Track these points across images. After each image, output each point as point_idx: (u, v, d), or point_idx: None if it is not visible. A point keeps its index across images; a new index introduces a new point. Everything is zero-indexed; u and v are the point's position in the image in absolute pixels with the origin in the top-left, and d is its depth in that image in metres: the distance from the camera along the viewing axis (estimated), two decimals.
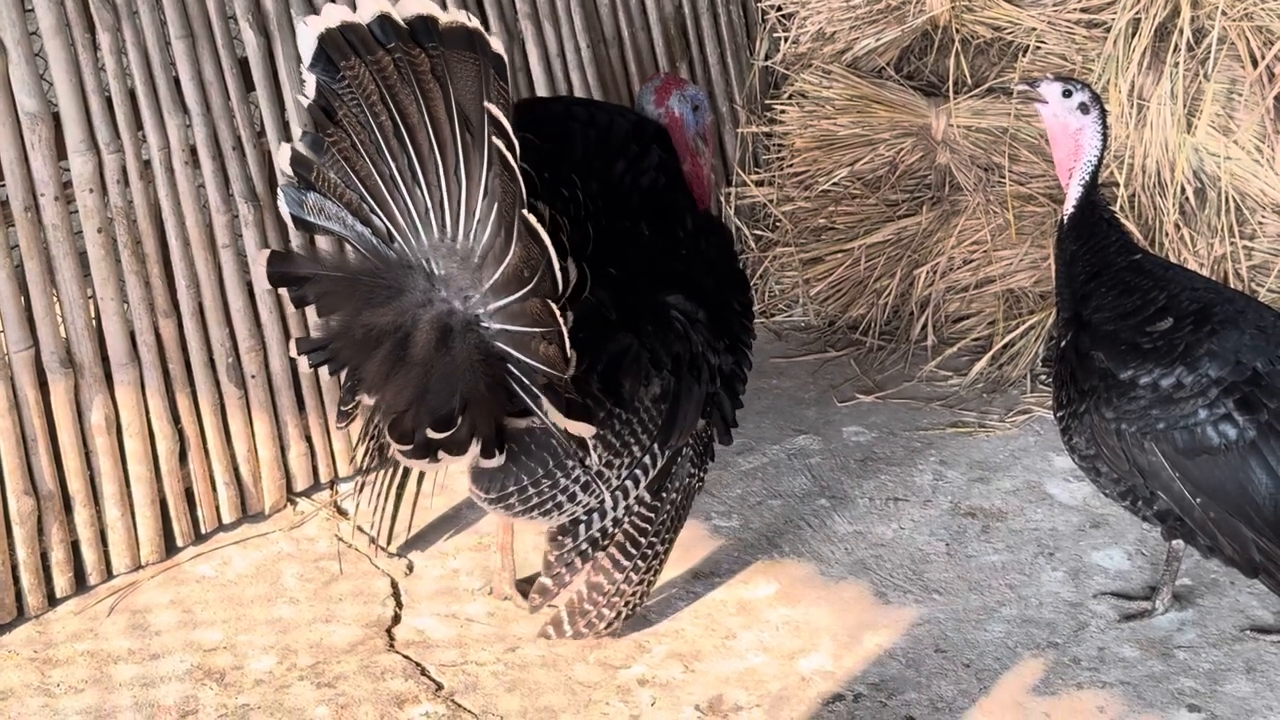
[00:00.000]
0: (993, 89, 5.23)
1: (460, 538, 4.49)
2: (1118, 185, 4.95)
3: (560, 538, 3.86)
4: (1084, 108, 3.76)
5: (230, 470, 4.52)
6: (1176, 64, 4.79)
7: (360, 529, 4.52)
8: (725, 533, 4.47)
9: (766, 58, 5.96)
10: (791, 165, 5.78)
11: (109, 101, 4.20)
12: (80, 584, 4.27)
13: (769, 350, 5.55)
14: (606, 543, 3.88)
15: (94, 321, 4.25)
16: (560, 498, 3.71)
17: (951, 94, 5.28)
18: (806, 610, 4.13)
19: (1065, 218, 3.80)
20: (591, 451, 3.59)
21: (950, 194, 5.41)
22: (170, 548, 4.43)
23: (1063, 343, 3.84)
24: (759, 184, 5.90)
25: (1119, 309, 3.73)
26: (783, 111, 5.77)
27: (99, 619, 4.18)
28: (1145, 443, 3.66)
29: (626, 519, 3.87)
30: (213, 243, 4.40)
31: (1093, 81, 4.92)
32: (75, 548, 4.26)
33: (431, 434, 3.41)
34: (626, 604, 3.95)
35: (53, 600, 4.22)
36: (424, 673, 3.96)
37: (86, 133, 4.16)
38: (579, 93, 5.38)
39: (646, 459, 3.78)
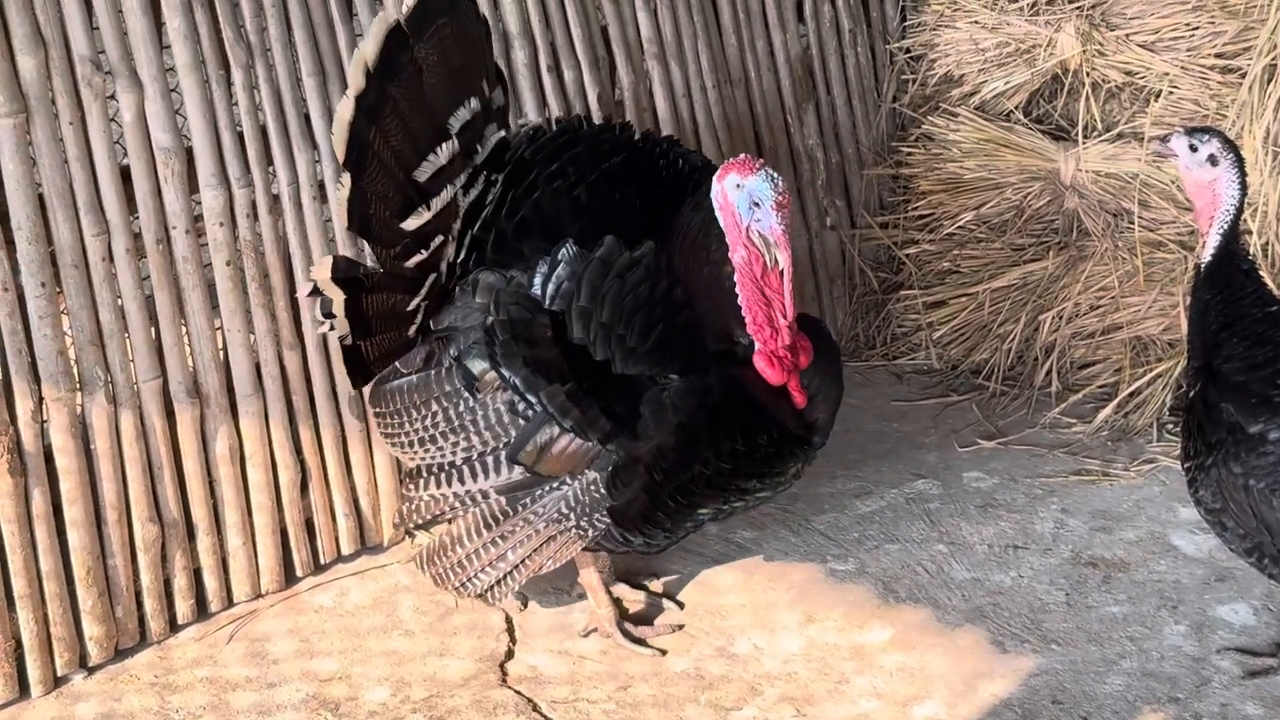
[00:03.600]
0: (1122, 134, 5.16)
1: (575, 574, 4.49)
2: (1251, 233, 4.86)
3: (407, 480, 4.14)
4: (1213, 159, 3.68)
5: (350, 502, 4.58)
6: None
7: None
8: (840, 576, 4.43)
9: (894, 100, 5.94)
10: (917, 208, 5.75)
11: (240, 137, 4.29)
12: (201, 611, 4.34)
13: (890, 393, 5.52)
14: (452, 513, 4.03)
15: (221, 353, 4.32)
16: (401, 438, 4.01)
17: (1081, 138, 5.23)
18: (921, 657, 4.08)
19: (1203, 266, 3.73)
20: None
21: (1078, 239, 5.35)
22: (290, 577, 4.49)
23: (1191, 393, 3.77)
24: (884, 226, 5.87)
25: (1250, 360, 3.65)
26: (909, 154, 5.75)
27: (218, 646, 4.24)
28: (1275, 499, 3.58)
29: (473, 505, 3.97)
30: None
31: (1226, 128, 4.85)
32: (197, 575, 4.33)
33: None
34: (471, 579, 4.02)
35: (174, 626, 4.29)
36: (536, 709, 3.96)
37: (218, 167, 4.24)
38: (704, 132, 5.39)
39: (489, 459, 3.90)
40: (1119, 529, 4.58)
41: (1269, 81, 4.76)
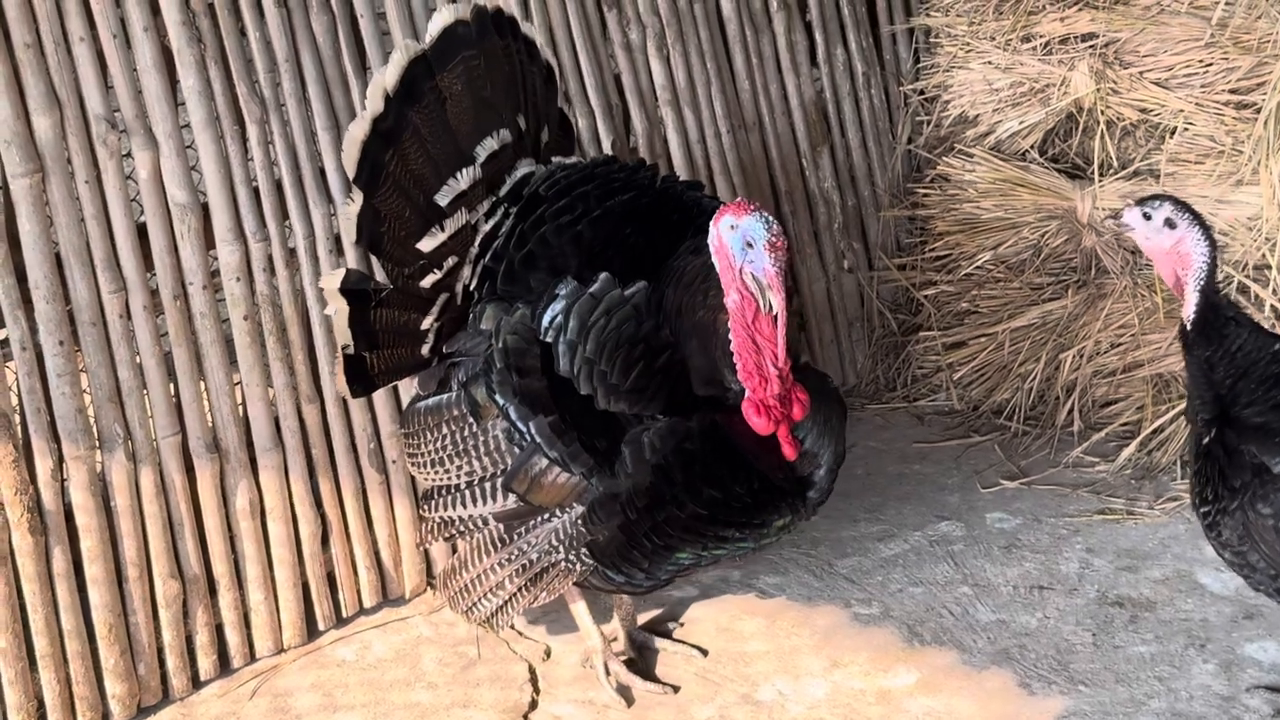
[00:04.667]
0: (1138, 172, 5.15)
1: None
2: (1269, 268, 4.84)
3: (423, 500, 4.21)
4: (1170, 223, 3.62)
5: (371, 554, 4.57)
6: None
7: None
8: (865, 620, 4.41)
9: (909, 142, 5.95)
10: (934, 249, 5.74)
11: (256, 192, 4.30)
12: (224, 666, 4.34)
13: (911, 435, 5.50)
14: (460, 535, 4.09)
15: (239, 407, 4.33)
16: (419, 458, 4.09)
17: (1097, 176, 5.22)
18: (948, 700, 4.05)
19: (1188, 324, 3.67)
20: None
21: (1096, 277, 5.33)
22: (312, 631, 4.48)
23: (1206, 439, 3.73)
24: (901, 268, 5.87)
25: (1272, 401, 3.62)
26: (925, 195, 5.75)
27: (241, 702, 4.23)
28: None
29: (476, 530, 4.03)
30: None
31: (1242, 163, 4.84)
32: (219, 630, 4.33)
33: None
34: (476, 604, 4.07)
35: (197, 682, 4.28)
36: None
37: (234, 223, 4.26)
38: (719, 177, 5.40)
39: (488, 485, 3.94)
40: (1145, 568, 4.55)
41: None
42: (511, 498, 3.91)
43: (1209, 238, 3.61)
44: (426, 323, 4.07)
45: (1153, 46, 5.11)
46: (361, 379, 4.11)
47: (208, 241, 4.24)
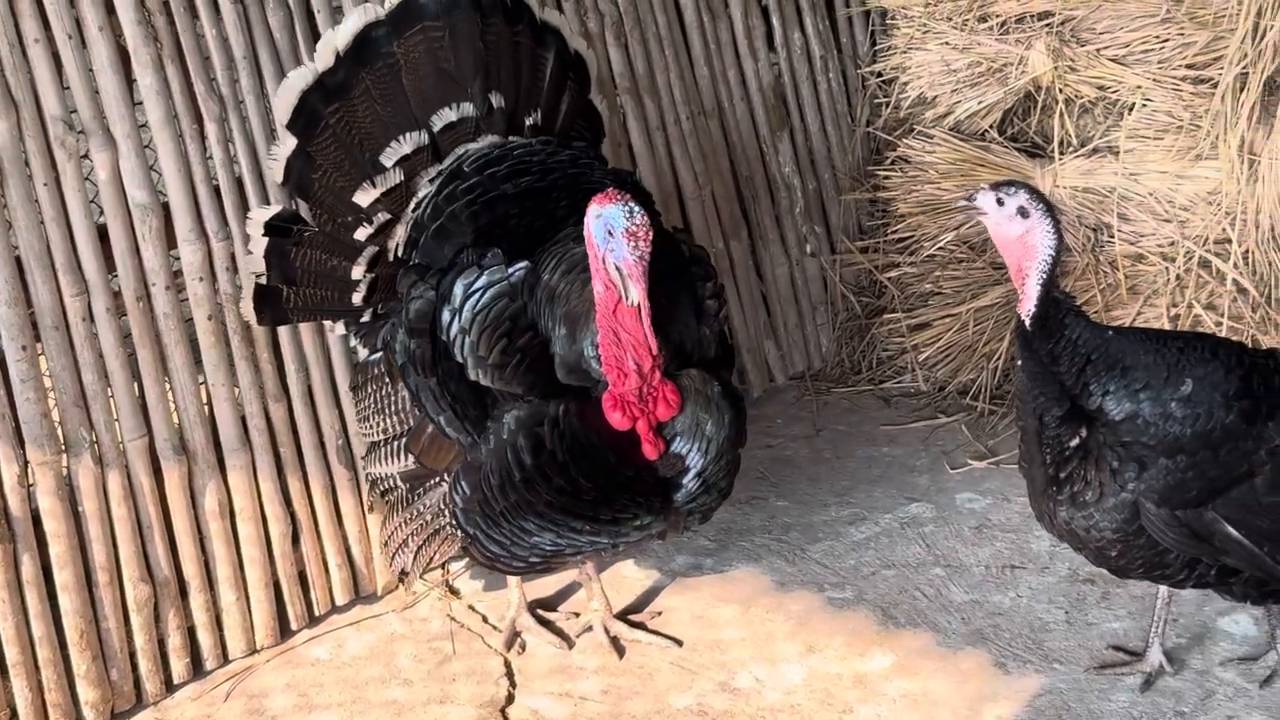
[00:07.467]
0: (1098, 149, 5.17)
1: (572, 617, 4.47)
2: (1230, 242, 4.86)
3: (363, 458, 4.35)
4: (1023, 211, 3.58)
5: (343, 552, 4.55)
6: None
7: (473, 608, 4.52)
8: (839, 604, 4.41)
9: (868, 124, 5.95)
10: (896, 231, 5.75)
11: (217, 190, 4.27)
12: (197, 669, 4.31)
13: (878, 417, 5.51)
14: (383, 493, 4.21)
15: (206, 408, 4.30)
16: (358, 413, 4.24)
17: (1057, 155, 5.23)
18: (924, 682, 4.06)
19: (1028, 319, 3.62)
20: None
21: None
22: (285, 631, 4.46)
23: (1075, 440, 3.70)
24: (864, 250, 5.87)
25: (1132, 386, 3.61)
26: (886, 177, 5.74)
27: (216, 704, 4.21)
28: (1205, 514, 3.58)
29: (393, 488, 4.15)
30: (320, 326, 4.44)
31: (1201, 137, 4.86)
32: (192, 633, 4.30)
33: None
34: (394, 556, 4.18)
35: (170, 686, 4.26)
36: None
37: (196, 222, 4.23)
38: (680, 163, 5.40)
39: (395, 444, 4.04)
40: None
41: (1241, 90, 4.76)
42: (410, 458, 3.98)
43: (1057, 231, 3.57)
44: (357, 272, 4.14)
45: (1109, 23, 5.11)
46: (275, 310, 4.17)
47: (169, 241, 4.21)
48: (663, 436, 3.73)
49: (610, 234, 3.55)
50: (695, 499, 3.82)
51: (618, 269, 3.56)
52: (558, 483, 3.71)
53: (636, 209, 3.56)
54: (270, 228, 4.11)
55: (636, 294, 3.55)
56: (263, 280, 4.12)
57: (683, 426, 3.74)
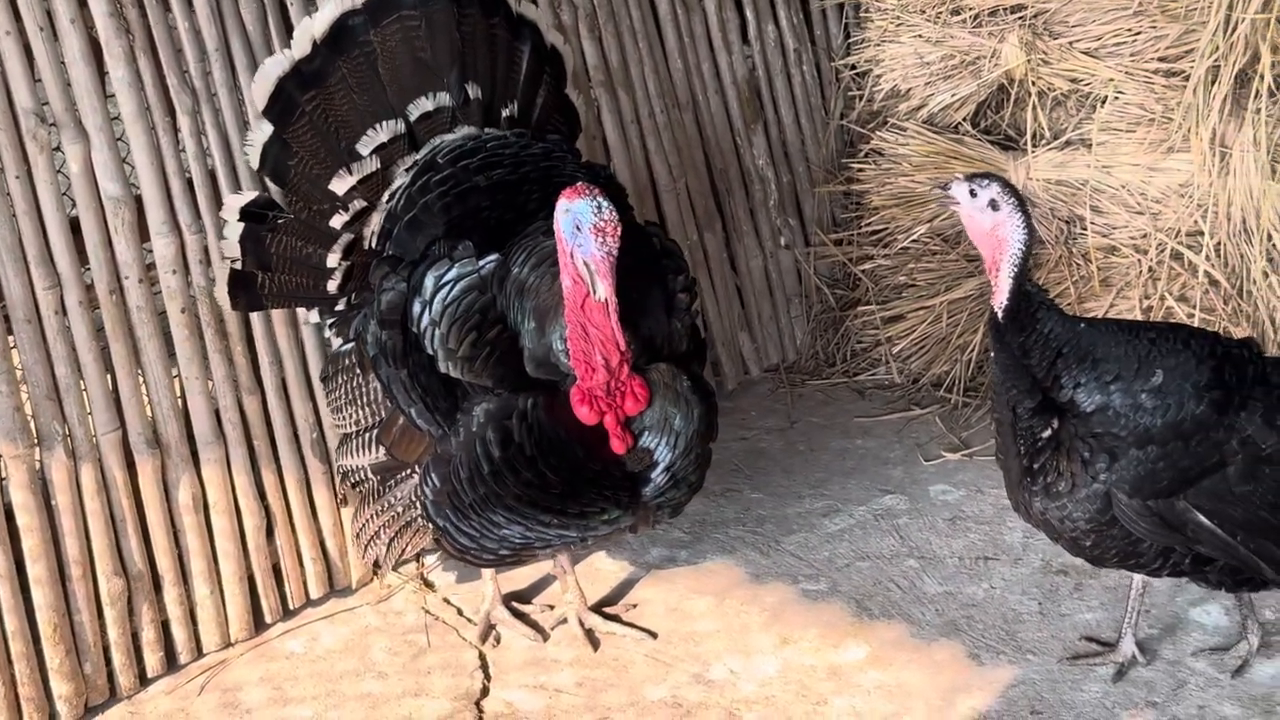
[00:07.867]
0: (1070, 142, 5.18)
1: (547, 610, 4.47)
2: (1202, 234, 4.88)
3: (336, 449, 4.35)
4: (994, 204, 3.59)
5: (317, 545, 4.54)
6: (1259, 110, 4.72)
7: (447, 601, 4.52)
8: (813, 596, 4.42)
9: (842, 117, 5.96)
10: (870, 223, 5.76)
11: (190, 183, 4.26)
12: (171, 663, 4.30)
13: (852, 409, 5.52)
14: (355, 485, 4.23)
15: (179, 401, 4.29)
16: (331, 401, 4.25)
17: (1030, 147, 5.24)
18: (898, 674, 4.07)
19: (1000, 311, 3.63)
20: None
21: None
22: (259, 624, 4.45)
23: (1047, 431, 3.72)
24: (838, 243, 5.88)
25: (1102, 377, 3.63)
26: (860, 170, 5.76)
27: (190, 698, 4.20)
28: (1177, 503, 3.60)
29: (364, 480, 4.17)
30: (294, 317, 4.43)
31: (1172, 130, 4.88)
32: (165, 627, 4.29)
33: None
34: (366, 547, 4.19)
35: (144, 680, 4.25)
36: None
37: (169, 215, 4.22)
38: (655, 157, 5.40)
39: (367, 436, 4.06)
40: None
41: (1213, 83, 4.78)
42: (381, 450, 3.99)
43: (1028, 225, 3.58)
44: (332, 260, 4.13)
45: (1081, 16, 5.13)
46: (249, 295, 4.18)
47: (142, 234, 4.20)
48: (631, 431, 3.74)
49: (578, 229, 3.54)
50: (664, 493, 3.83)
51: (586, 264, 3.54)
52: (525, 476, 3.71)
53: (605, 204, 3.54)
54: (246, 213, 4.11)
55: (604, 289, 3.54)
56: (237, 266, 4.12)
57: (651, 421, 3.75)
